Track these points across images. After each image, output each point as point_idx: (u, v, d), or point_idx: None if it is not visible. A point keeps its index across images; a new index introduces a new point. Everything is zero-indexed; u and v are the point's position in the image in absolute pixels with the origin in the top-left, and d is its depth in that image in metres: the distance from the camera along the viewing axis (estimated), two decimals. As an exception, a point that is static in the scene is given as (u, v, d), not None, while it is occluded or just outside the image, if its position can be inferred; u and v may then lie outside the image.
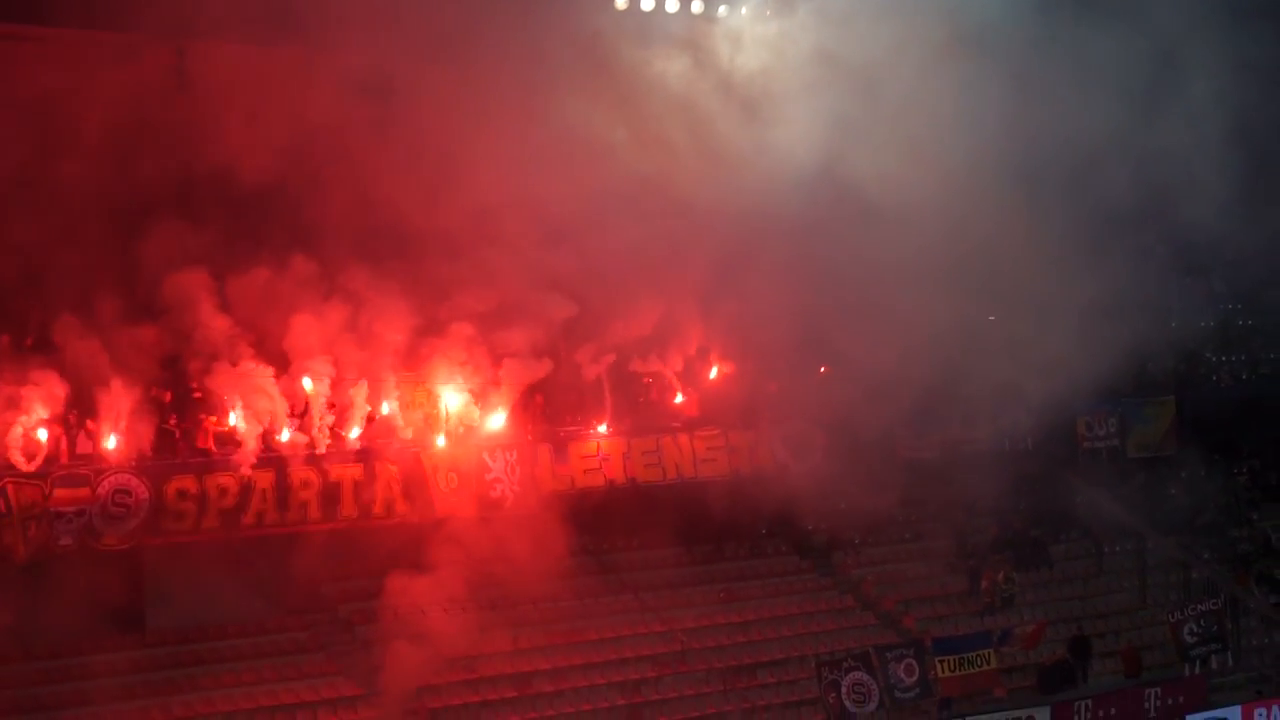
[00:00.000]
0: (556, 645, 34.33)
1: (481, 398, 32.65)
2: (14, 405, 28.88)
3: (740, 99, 33.39)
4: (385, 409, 32.13)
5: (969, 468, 37.99)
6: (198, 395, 31.24)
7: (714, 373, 36.43)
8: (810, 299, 33.47)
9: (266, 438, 30.87)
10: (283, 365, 30.89)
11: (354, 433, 31.72)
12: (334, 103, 30.17)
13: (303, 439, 31.11)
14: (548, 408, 34.10)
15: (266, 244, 30.68)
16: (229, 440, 30.79)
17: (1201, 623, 36.26)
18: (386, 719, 31.53)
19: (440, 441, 32.51)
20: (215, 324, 30.32)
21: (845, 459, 36.34)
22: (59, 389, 29.22)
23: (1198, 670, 36.43)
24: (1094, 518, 42.03)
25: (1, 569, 29.19)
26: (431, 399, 32.51)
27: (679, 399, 35.82)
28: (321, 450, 31.25)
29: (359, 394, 31.60)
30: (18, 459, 28.93)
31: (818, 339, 34.91)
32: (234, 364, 30.43)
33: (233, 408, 30.72)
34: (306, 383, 31.09)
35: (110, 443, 29.75)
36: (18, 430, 28.89)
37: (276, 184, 29.92)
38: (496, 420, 32.90)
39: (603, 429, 34.43)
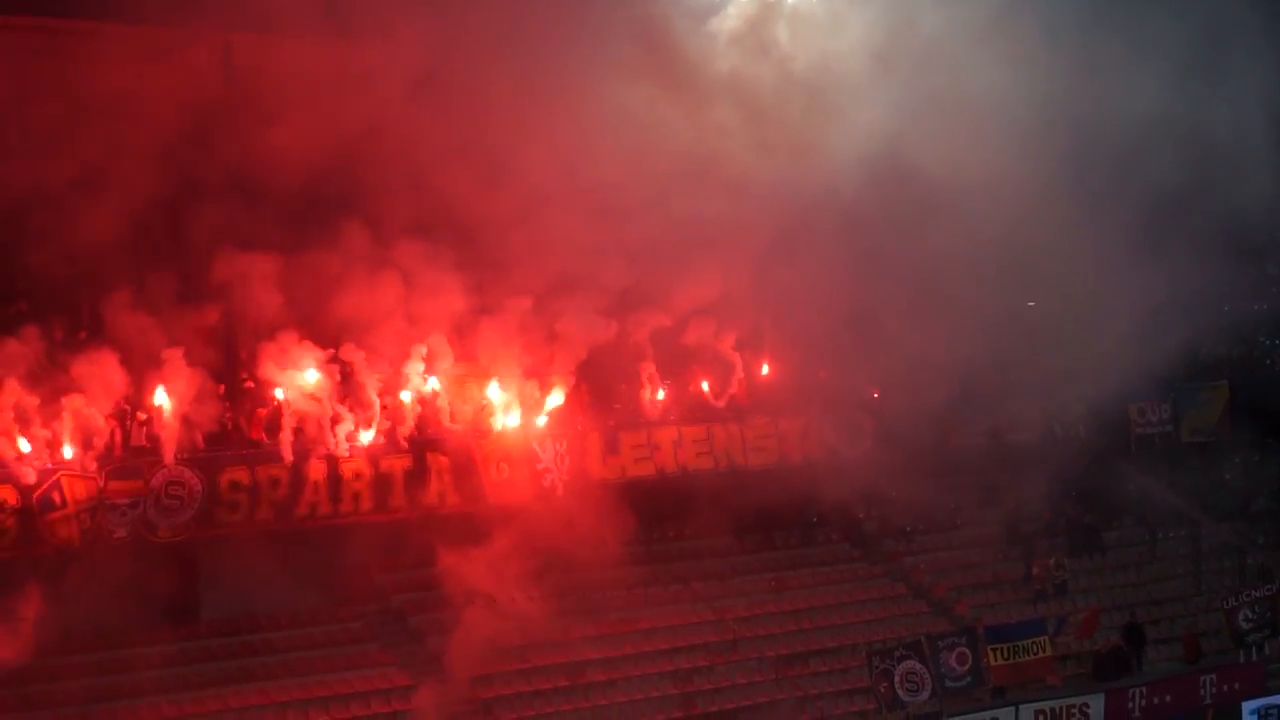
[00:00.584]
0: (608, 635, 34.32)
1: (534, 382, 32.61)
2: (68, 397, 28.99)
3: (799, 83, 33.20)
4: (438, 400, 32.12)
5: (1020, 454, 37.84)
6: (249, 385, 31.30)
7: (765, 370, 36.32)
8: (861, 285, 33.31)
9: (318, 429, 30.88)
10: (335, 354, 30.97)
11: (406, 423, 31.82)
12: (389, 91, 30.10)
13: (354, 431, 31.18)
14: (598, 397, 34.00)
15: (317, 233, 30.71)
16: (280, 431, 30.83)
17: (1256, 609, 35.90)
18: (440, 709, 31.54)
19: (494, 429, 32.53)
20: (269, 310, 30.44)
21: (896, 446, 36.27)
22: (114, 380, 29.33)
23: (1254, 657, 36.13)
24: (1147, 504, 41.83)
25: (56, 561, 29.36)
26: (482, 388, 32.54)
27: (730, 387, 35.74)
28: (372, 441, 31.30)
29: (411, 382, 31.60)
30: (72, 451, 29.05)
31: (869, 325, 34.78)
32: (286, 353, 30.53)
33: (284, 398, 30.74)
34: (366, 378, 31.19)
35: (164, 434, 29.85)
36: (71, 422, 28.99)
37: (329, 172, 29.94)
38: (550, 403, 32.87)
39: (659, 395, 34.37)
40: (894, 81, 33.00)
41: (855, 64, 33.23)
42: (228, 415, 31.45)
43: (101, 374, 29.21)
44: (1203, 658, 36.72)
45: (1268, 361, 44.37)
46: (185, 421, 30.25)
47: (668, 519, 36.26)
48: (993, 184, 33.19)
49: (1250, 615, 35.92)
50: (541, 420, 32.94)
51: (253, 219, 29.90)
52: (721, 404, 35.60)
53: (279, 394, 30.96)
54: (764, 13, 33.52)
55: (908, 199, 32.84)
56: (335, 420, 31.05)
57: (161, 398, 29.79)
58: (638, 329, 33.75)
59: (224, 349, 31.23)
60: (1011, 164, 32.97)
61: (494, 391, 32.61)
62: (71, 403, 29.00)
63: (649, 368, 34.48)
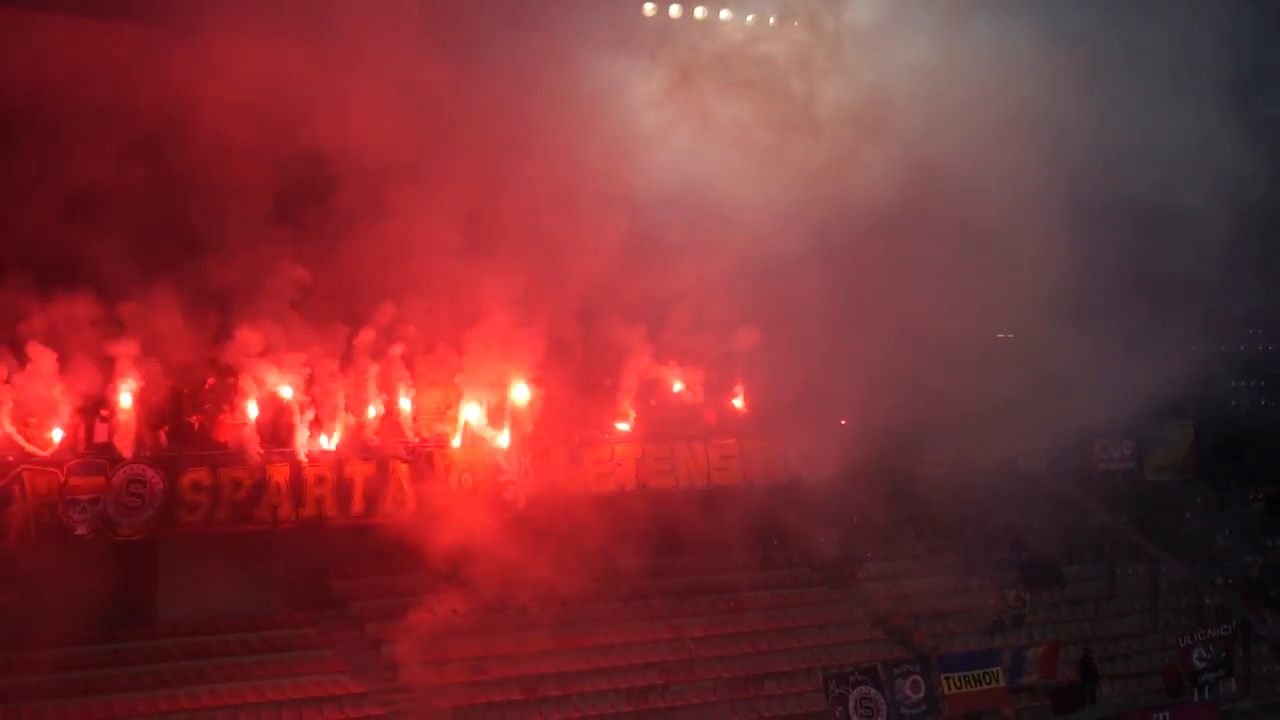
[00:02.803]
0: (565, 649, 34.29)
1: (501, 394, 32.68)
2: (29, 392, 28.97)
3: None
4: (402, 406, 32.16)
5: (983, 485, 37.97)
6: (212, 383, 31.28)
7: (739, 401, 36.40)
8: (834, 312, 33.38)
9: (282, 433, 30.89)
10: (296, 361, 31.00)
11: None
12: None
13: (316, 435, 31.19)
14: (564, 411, 34.05)
15: (288, 242, 30.70)
16: (244, 434, 30.82)
17: (1211, 648, 36.03)
18: (393, 718, 31.53)
19: (455, 442, 32.56)
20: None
21: (860, 472, 36.38)
22: (78, 377, 29.31)
23: (1206, 696, 36.22)
24: (1107, 540, 41.97)
25: (15, 555, 29.25)
26: (448, 398, 32.59)
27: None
28: (334, 447, 31.32)
29: (373, 392, 31.65)
30: (33, 446, 29.02)
31: (840, 352, 34.85)
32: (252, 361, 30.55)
33: (249, 401, 30.74)
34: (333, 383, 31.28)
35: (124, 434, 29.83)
36: (33, 418, 28.98)
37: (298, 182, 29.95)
38: (516, 416, 32.92)
39: (623, 427, 34.39)
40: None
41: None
42: (193, 415, 31.41)
43: (67, 369, 29.18)
44: (1184, 691, 36.78)
45: (1233, 403, 44.60)
46: (149, 420, 30.26)
47: (628, 535, 36.16)
48: (970, 216, 33.39)
49: (1205, 654, 35.98)
50: (506, 433, 32.90)
51: (222, 217, 29.89)
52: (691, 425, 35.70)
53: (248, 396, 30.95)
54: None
55: (884, 228, 32.91)
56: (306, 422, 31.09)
57: (126, 395, 29.76)
58: (610, 344, 33.83)
59: (190, 349, 31.02)
60: (991, 196, 33.16)
61: (460, 402, 32.59)
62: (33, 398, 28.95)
63: (618, 383, 34.51)
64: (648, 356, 34.40)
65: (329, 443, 31.49)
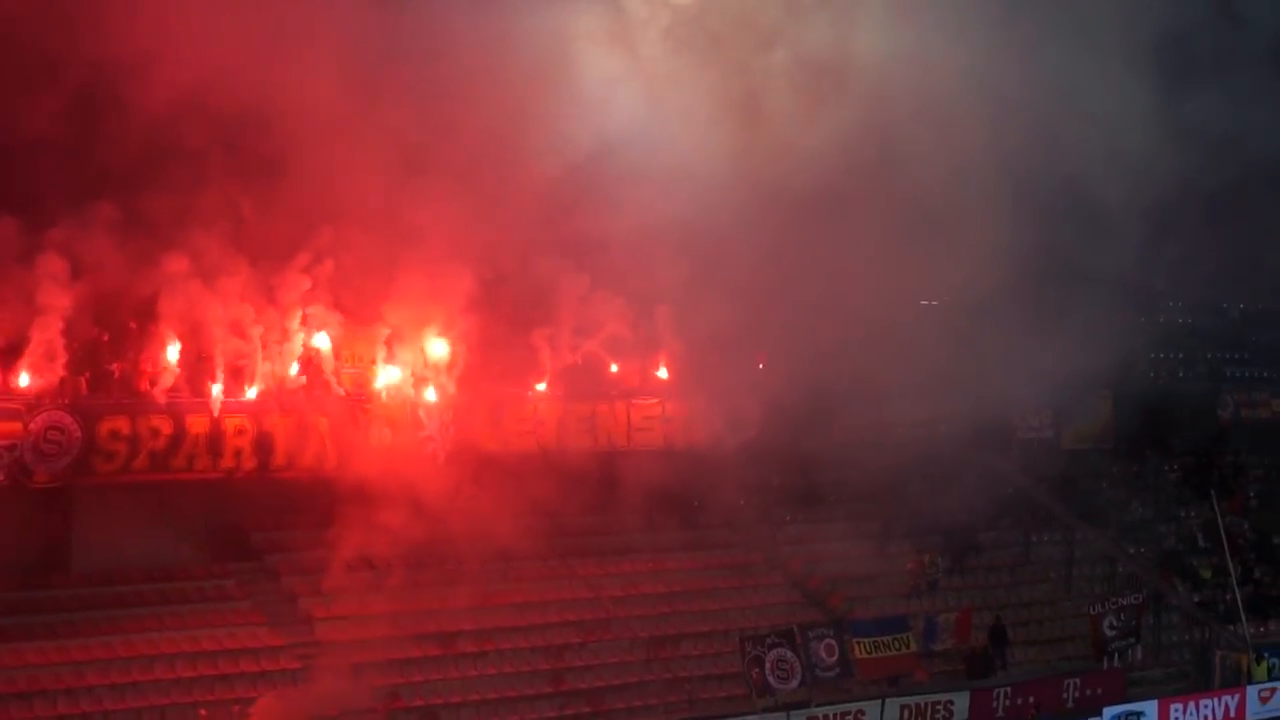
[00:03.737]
0: (483, 607, 34.29)
1: (422, 348, 32.61)
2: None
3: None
4: (324, 358, 32.07)
5: (903, 451, 38.20)
6: (134, 329, 31.04)
7: (662, 372, 36.42)
8: (758, 276, 33.43)
9: (200, 382, 30.73)
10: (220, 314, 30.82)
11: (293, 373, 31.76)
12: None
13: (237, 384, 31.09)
14: (486, 367, 33.98)
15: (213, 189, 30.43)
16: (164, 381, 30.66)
17: (1122, 616, 36.60)
18: (308, 670, 31.50)
19: (378, 394, 32.51)
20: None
21: (780, 436, 36.53)
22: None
23: (1115, 663, 36.77)
24: (1024, 507, 42.35)
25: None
26: (370, 351, 32.49)
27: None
28: (254, 397, 31.21)
29: (295, 341, 31.53)
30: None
31: (763, 314, 34.92)
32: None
33: (169, 346, 30.56)
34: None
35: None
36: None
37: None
38: (437, 370, 32.88)
39: (541, 387, 34.39)
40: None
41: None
42: (113, 362, 31.18)
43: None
44: (1071, 660, 37.22)
45: (1151, 374, 45.04)
46: (69, 365, 30.02)
47: (548, 494, 36.16)
48: (908, 185, 33.52)
49: (1115, 622, 36.60)
50: (429, 389, 32.84)
51: (144, 162, 29.59)
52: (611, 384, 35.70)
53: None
54: None
55: (812, 194, 32.97)
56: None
57: (46, 339, 29.50)
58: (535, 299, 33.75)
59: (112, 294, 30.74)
60: (931, 166, 33.29)
61: (381, 355, 32.50)
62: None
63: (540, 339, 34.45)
64: (573, 311, 34.24)
65: (250, 392, 31.31)
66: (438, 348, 32.63)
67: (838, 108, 32.67)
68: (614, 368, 35.46)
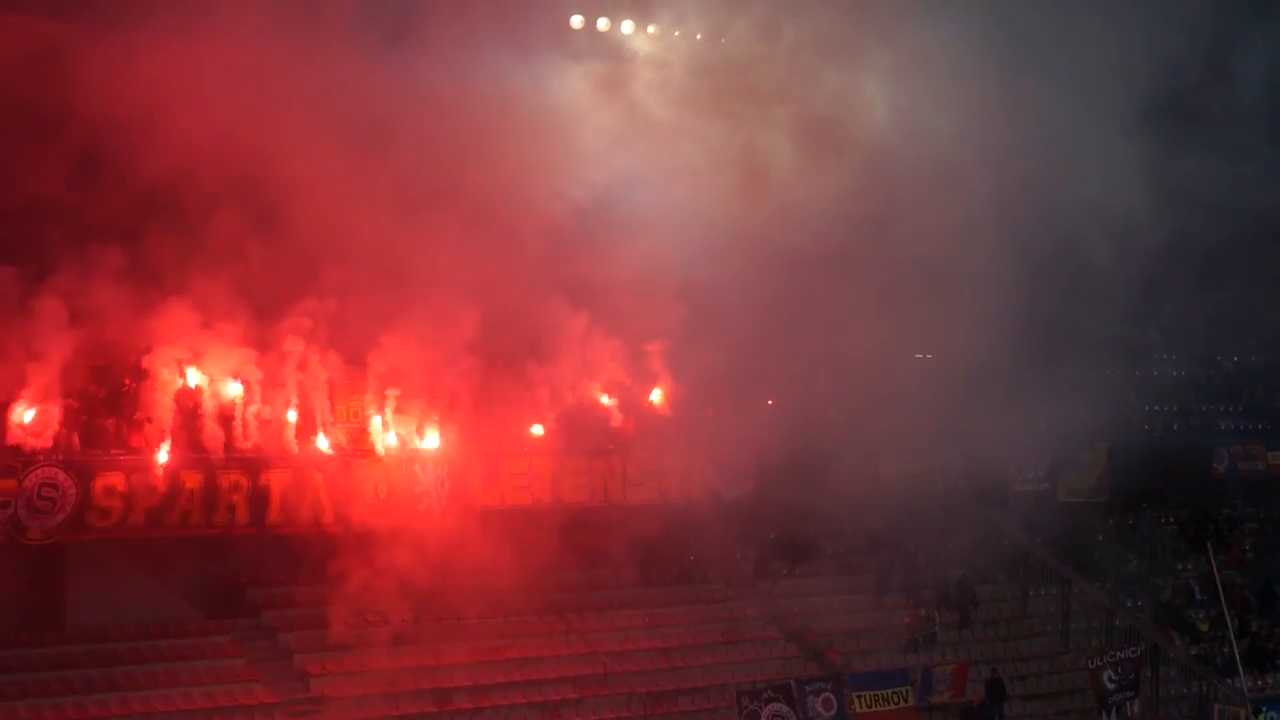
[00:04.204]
0: (479, 663, 34.13)
1: (418, 405, 32.59)
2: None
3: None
4: (320, 413, 32.06)
5: (900, 504, 38.17)
6: (130, 386, 31.01)
7: (655, 395, 36.39)
8: (754, 329, 33.50)
9: (196, 439, 30.70)
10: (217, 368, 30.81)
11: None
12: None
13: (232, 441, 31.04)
14: (481, 423, 33.95)
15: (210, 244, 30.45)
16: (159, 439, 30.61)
17: (1121, 669, 36.49)
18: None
19: (374, 450, 32.49)
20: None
21: (777, 489, 36.52)
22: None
23: (1115, 717, 36.63)
24: (1020, 561, 42.29)
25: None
26: (364, 409, 32.48)
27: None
28: (249, 451, 31.20)
29: (291, 400, 31.51)
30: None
31: (758, 369, 34.98)
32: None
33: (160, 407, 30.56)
34: (236, 387, 31.04)
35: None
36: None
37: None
38: (432, 427, 32.84)
39: (538, 430, 34.37)
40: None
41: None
42: (108, 419, 31.14)
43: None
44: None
45: (1146, 427, 45.09)
46: (63, 422, 29.98)
47: (544, 550, 36.10)
48: (896, 232, 33.64)
49: (1114, 676, 36.46)
50: (422, 444, 32.81)
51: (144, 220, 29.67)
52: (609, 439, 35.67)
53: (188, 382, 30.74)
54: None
55: (812, 251, 33.09)
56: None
57: (40, 396, 29.48)
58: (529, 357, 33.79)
59: (108, 350, 30.74)
60: (906, 218, 33.43)
61: (377, 412, 32.51)
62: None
63: (535, 396, 34.46)
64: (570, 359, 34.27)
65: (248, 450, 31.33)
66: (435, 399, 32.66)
67: (839, 166, 32.84)
68: (614, 419, 35.40)
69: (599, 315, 33.36)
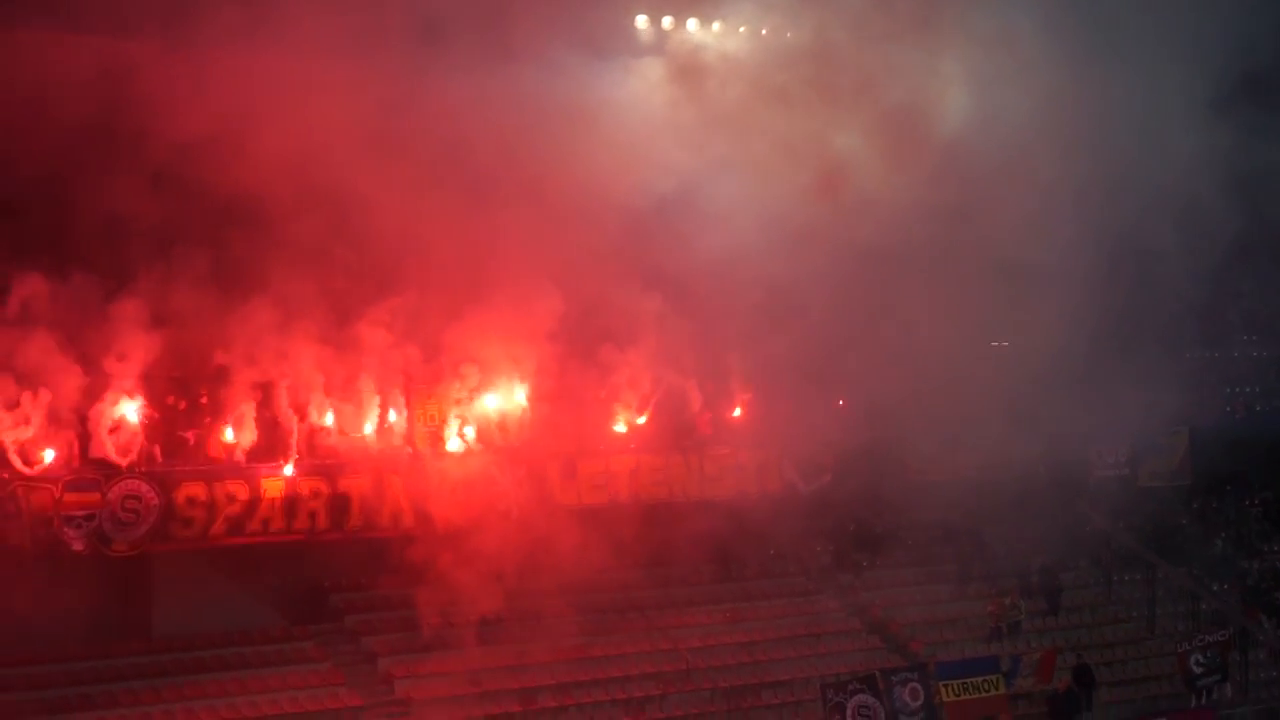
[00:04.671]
0: (562, 661, 34.22)
1: (495, 405, 32.73)
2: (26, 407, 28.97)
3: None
4: (394, 419, 32.17)
5: (979, 492, 37.97)
6: (205, 402, 31.28)
7: (737, 411, 36.39)
8: (829, 319, 33.43)
9: (277, 446, 30.95)
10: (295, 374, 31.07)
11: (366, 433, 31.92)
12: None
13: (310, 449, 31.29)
14: (560, 422, 34.00)
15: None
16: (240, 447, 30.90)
17: (1208, 654, 36.16)
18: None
19: (452, 451, 32.60)
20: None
21: (855, 481, 36.40)
22: (73, 392, 29.31)
23: (1205, 702, 36.30)
24: (1103, 546, 41.97)
25: (12, 572, 29.18)
26: (442, 410, 32.60)
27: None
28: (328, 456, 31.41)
29: (368, 405, 31.68)
30: (27, 462, 29.00)
31: (831, 361, 34.87)
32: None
33: (242, 417, 30.80)
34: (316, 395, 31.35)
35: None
36: (28, 432, 28.96)
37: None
38: (511, 427, 32.98)
39: (621, 429, 34.46)
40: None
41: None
42: (188, 430, 31.42)
43: (61, 384, 29.18)
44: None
45: (1227, 409, 44.64)
46: (145, 435, 30.28)
47: (624, 547, 36.14)
48: (973, 223, 33.48)
49: (1202, 660, 36.15)
50: (500, 444, 32.94)
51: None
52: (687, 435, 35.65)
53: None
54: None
55: (884, 239, 33.00)
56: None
57: (123, 409, 29.79)
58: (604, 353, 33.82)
59: (184, 363, 31.02)
60: (973, 201, 33.25)
61: (454, 414, 32.63)
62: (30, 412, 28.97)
63: (611, 394, 34.51)
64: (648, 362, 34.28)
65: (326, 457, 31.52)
66: (514, 400, 32.73)
67: (913, 158, 32.73)
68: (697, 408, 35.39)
69: (675, 308, 33.29)
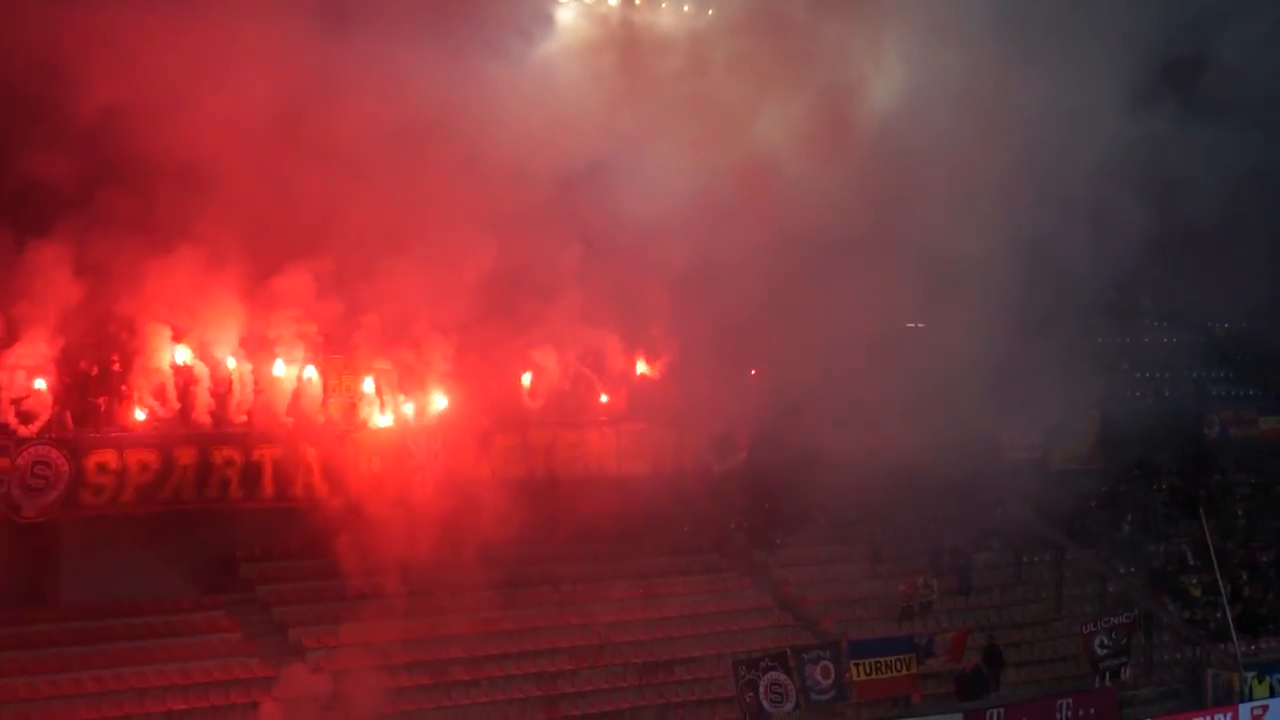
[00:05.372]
0: (475, 634, 34.16)
1: (410, 377, 32.54)
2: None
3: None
4: (309, 389, 31.98)
5: (892, 472, 38.16)
6: (118, 368, 30.93)
7: (640, 368, 36.37)
8: (746, 300, 33.48)
9: (188, 414, 30.64)
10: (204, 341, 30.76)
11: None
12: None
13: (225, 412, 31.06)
14: (474, 395, 33.88)
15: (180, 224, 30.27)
16: (151, 415, 30.56)
17: (1113, 635, 36.57)
18: (299, 702, 31.29)
19: (367, 423, 32.41)
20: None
21: (769, 459, 36.50)
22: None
23: (1108, 683, 36.70)
24: (1013, 528, 42.32)
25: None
26: (357, 381, 32.42)
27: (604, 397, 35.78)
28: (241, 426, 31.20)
29: (284, 373, 31.43)
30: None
31: (747, 340, 34.96)
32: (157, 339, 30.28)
33: (156, 382, 30.46)
34: (230, 361, 31.00)
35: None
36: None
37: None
38: (426, 398, 32.80)
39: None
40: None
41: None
42: (99, 396, 31.06)
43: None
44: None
45: (1137, 394, 45.14)
46: (55, 400, 29.91)
47: (537, 522, 36.08)
48: (896, 209, 33.65)
49: (1106, 642, 36.53)
50: (414, 416, 32.78)
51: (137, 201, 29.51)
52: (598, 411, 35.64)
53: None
54: None
55: (802, 218, 33.09)
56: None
57: (33, 375, 29.41)
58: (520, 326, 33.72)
59: (96, 326, 30.64)
60: (898, 180, 33.46)
61: (369, 385, 32.46)
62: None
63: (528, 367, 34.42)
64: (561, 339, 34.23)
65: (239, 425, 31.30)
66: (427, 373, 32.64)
67: (844, 150, 32.88)
68: (603, 397, 35.36)
69: (588, 282, 33.24)
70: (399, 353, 32.67)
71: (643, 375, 36.48)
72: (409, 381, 32.96)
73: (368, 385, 32.67)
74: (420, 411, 33.08)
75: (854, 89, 33.39)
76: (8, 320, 29.39)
